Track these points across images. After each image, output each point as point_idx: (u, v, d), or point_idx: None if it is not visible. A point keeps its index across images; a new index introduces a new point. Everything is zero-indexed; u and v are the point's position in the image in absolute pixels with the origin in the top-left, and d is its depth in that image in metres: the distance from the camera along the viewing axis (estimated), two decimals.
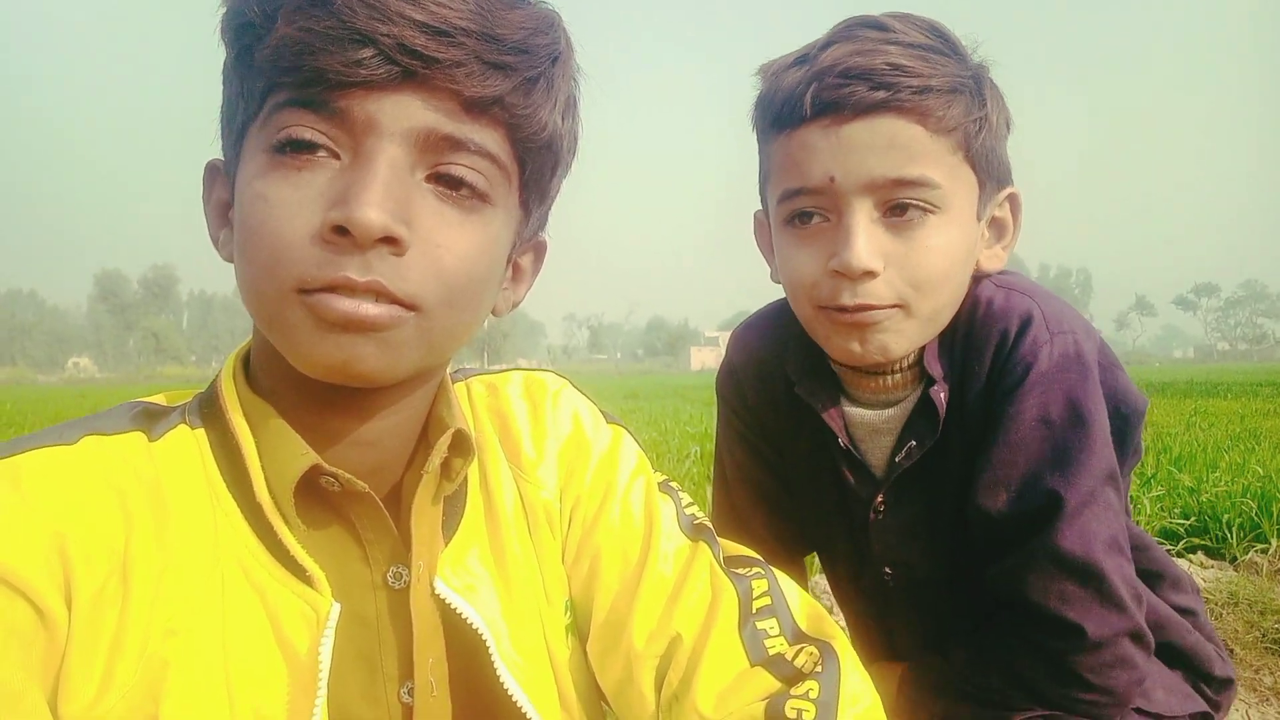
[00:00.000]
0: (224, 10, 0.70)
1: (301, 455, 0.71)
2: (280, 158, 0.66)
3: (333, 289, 0.65)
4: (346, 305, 0.65)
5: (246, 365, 0.80)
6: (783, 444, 1.29)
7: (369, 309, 0.65)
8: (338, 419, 0.75)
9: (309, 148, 0.66)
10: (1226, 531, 4.45)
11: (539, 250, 0.88)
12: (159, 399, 0.80)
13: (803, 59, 1.04)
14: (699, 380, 48.66)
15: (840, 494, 1.19)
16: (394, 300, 0.66)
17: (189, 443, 0.74)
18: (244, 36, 0.68)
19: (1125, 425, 1.06)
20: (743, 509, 1.34)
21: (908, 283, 1.01)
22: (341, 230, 0.64)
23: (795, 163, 1.02)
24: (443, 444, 0.77)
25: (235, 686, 0.68)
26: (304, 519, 0.72)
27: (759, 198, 1.17)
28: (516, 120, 0.70)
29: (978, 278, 1.11)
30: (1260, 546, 4.42)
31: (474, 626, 0.78)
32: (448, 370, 0.87)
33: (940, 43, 1.02)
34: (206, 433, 0.75)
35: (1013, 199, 1.12)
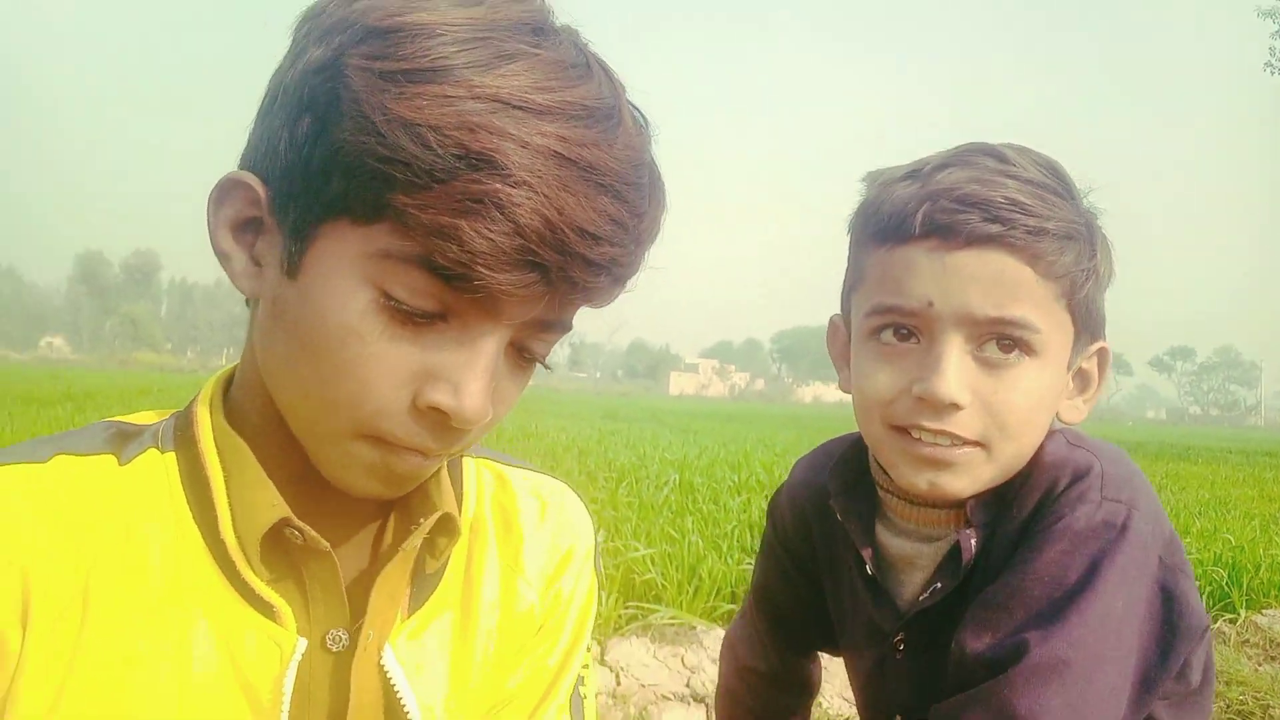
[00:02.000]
0: (350, 84, 0.61)
1: (272, 506, 0.69)
2: (389, 303, 0.62)
3: (408, 449, 0.67)
4: (413, 463, 0.68)
5: (225, 392, 0.77)
6: (816, 569, 1.26)
7: (428, 467, 0.70)
8: (311, 468, 0.72)
9: (428, 314, 0.63)
10: None
11: None
12: (138, 418, 0.78)
13: (915, 174, 0.99)
14: (677, 406, 48.69)
15: (865, 625, 1.14)
16: (450, 452, 0.70)
17: (158, 467, 0.72)
18: (378, 161, 0.59)
19: (1173, 636, 0.95)
20: (756, 622, 1.37)
21: (994, 422, 0.96)
22: (440, 411, 0.64)
23: (894, 279, 0.98)
24: (426, 526, 0.75)
25: None
26: (262, 561, 0.70)
27: (840, 304, 1.12)
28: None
29: (1052, 431, 1.04)
30: (1229, 616, 4.47)
31: (404, 707, 0.74)
32: None
33: (1056, 183, 0.98)
34: (177, 458, 0.73)
35: (1102, 353, 1.07)
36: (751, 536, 5.20)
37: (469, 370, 0.64)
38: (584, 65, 0.65)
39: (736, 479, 8.06)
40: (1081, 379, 1.07)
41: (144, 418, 0.78)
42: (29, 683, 0.63)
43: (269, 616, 0.70)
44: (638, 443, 12.64)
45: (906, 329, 0.98)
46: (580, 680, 0.91)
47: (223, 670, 0.68)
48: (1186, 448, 22.72)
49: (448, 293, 0.62)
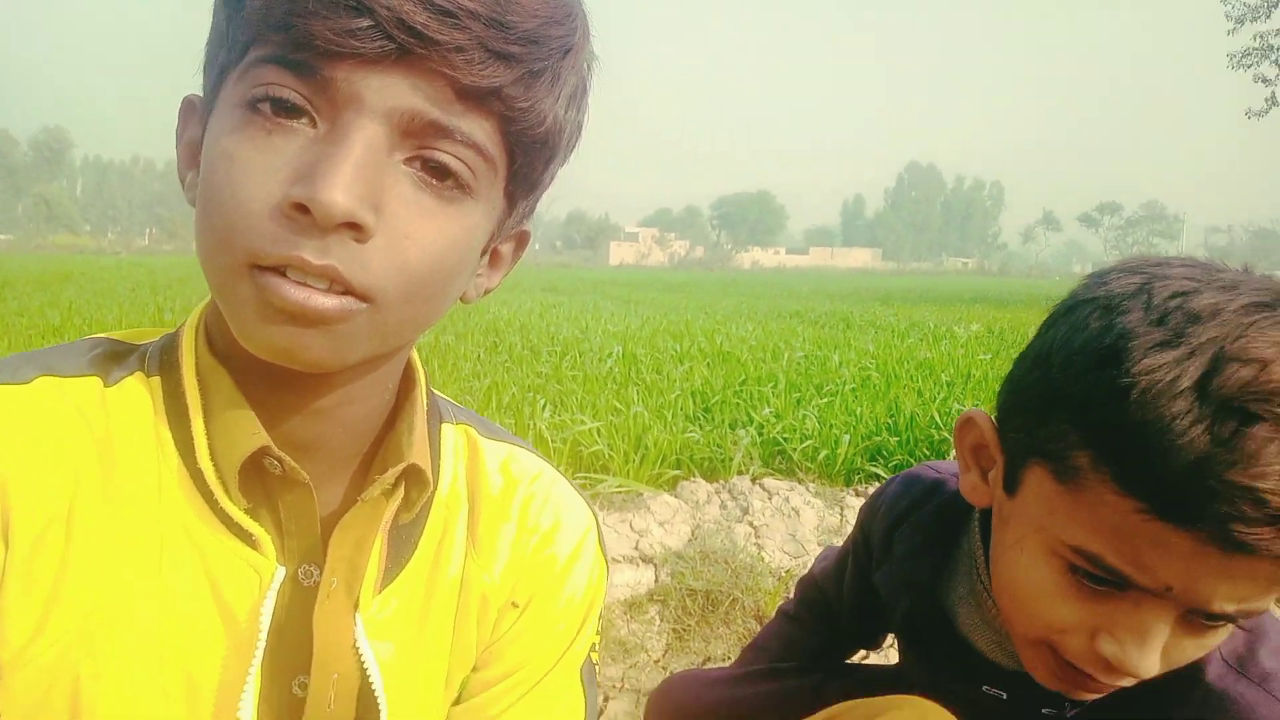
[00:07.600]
0: None
1: (252, 435, 0.69)
2: (254, 116, 0.61)
3: (286, 269, 0.60)
4: (297, 295, 0.60)
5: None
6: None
7: (320, 301, 0.61)
8: (288, 394, 0.71)
9: (285, 109, 0.61)
10: None
11: (521, 240, 0.82)
12: (130, 335, 0.78)
13: (1201, 392, 0.70)
14: (618, 276, 48.55)
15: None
16: (348, 290, 0.62)
17: (142, 392, 0.72)
18: None
19: None
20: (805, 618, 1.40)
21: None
22: (303, 208, 0.59)
23: (1135, 550, 0.77)
24: (389, 477, 0.73)
25: (167, 647, 0.68)
26: (241, 490, 0.70)
27: (998, 401, 0.94)
28: (513, 113, 0.65)
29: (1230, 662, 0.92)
30: None
31: (364, 664, 0.75)
32: (423, 381, 0.83)
33: None
34: (161, 382, 0.72)
35: None
36: (694, 404, 5.34)
37: (328, 161, 0.59)
38: None
39: (679, 348, 8.20)
40: None
41: (137, 335, 0.78)
42: (13, 602, 0.63)
43: (249, 544, 0.70)
44: (579, 315, 12.69)
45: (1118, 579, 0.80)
46: (593, 647, 0.92)
47: (202, 596, 0.69)
48: None
49: (298, 81, 0.60)
